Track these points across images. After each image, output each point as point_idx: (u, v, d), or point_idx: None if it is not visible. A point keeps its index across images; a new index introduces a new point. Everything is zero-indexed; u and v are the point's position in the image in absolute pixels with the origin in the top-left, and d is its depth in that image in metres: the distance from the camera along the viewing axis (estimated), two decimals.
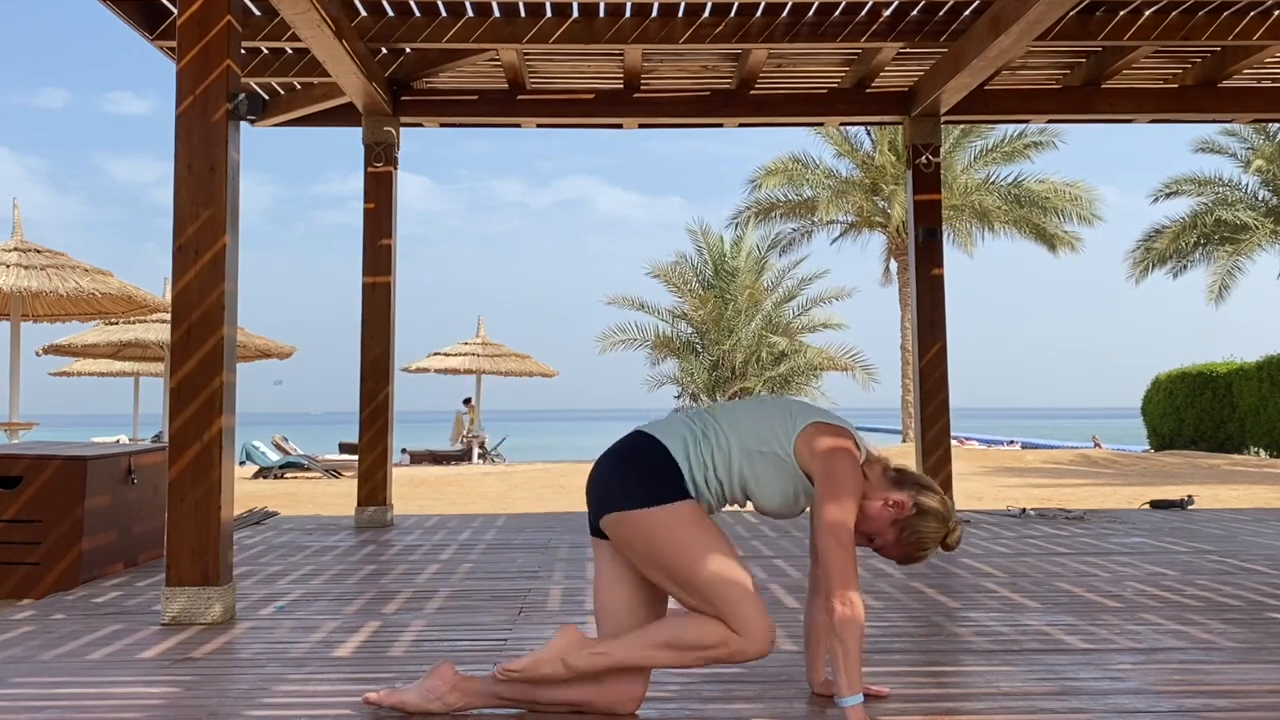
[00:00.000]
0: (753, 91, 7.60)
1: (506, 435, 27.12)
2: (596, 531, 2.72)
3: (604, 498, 2.66)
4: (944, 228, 7.65)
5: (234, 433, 4.23)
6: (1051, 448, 28.70)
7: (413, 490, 14.54)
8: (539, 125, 7.90)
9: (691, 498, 2.64)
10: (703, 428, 2.69)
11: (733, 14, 6.40)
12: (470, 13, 6.37)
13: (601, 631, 2.72)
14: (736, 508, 2.77)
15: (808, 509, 2.71)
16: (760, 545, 5.95)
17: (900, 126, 9.46)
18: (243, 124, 4.38)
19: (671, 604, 2.74)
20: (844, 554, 2.52)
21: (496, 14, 6.39)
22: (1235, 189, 25.39)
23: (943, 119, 7.50)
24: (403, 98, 7.42)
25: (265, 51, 6.99)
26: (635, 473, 2.65)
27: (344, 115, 7.62)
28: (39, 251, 11.73)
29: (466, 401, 24.93)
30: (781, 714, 2.75)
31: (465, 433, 24.22)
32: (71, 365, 20.59)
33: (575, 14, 6.36)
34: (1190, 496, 8.66)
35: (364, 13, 6.33)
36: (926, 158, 7.47)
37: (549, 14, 6.37)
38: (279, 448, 20.81)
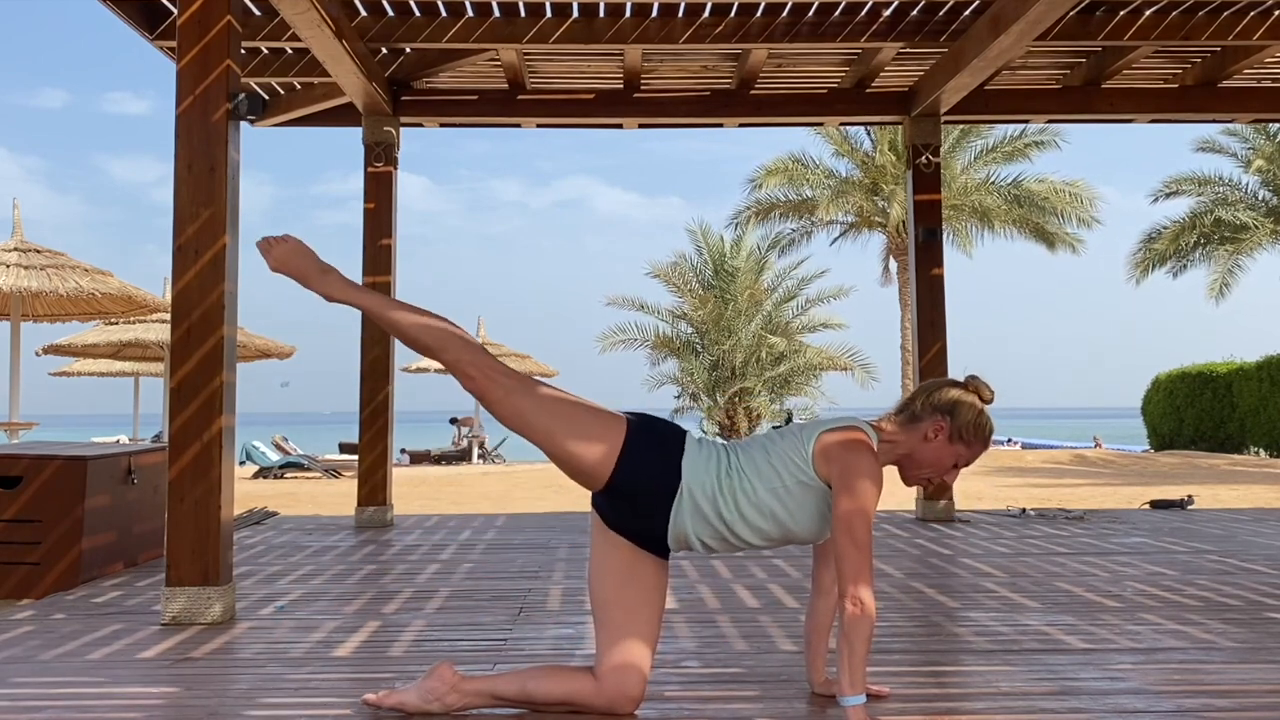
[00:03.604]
0: (753, 91, 7.60)
1: (507, 436, 27.11)
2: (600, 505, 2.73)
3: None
4: (944, 227, 7.65)
5: (234, 432, 4.23)
6: (1051, 448, 28.70)
7: (413, 490, 14.54)
8: (539, 125, 7.90)
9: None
10: (728, 466, 2.65)
11: (733, 14, 6.40)
12: (470, 13, 6.37)
13: (598, 625, 2.71)
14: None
15: None
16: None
17: (900, 126, 9.46)
18: (243, 124, 4.38)
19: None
20: (857, 551, 2.47)
21: (496, 14, 6.38)
22: (1235, 189, 25.38)
23: (943, 119, 7.50)
24: (403, 98, 7.42)
25: (265, 51, 6.99)
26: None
27: (344, 115, 7.61)
28: (39, 251, 11.72)
29: (452, 421, 25.02)
30: (781, 714, 2.74)
31: (464, 434, 24.25)
32: (71, 365, 20.57)
33: (575, 14, 6.36)
34: (1190, 496, 8.66)
35: (364, 13, 6.33)
36: (926, 158, 7.47)
37: (549, 14, 6.37)
38: (279, 448, 20.82)
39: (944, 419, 2.66)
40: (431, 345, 2.69)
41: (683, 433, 2.73)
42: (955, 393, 2.69)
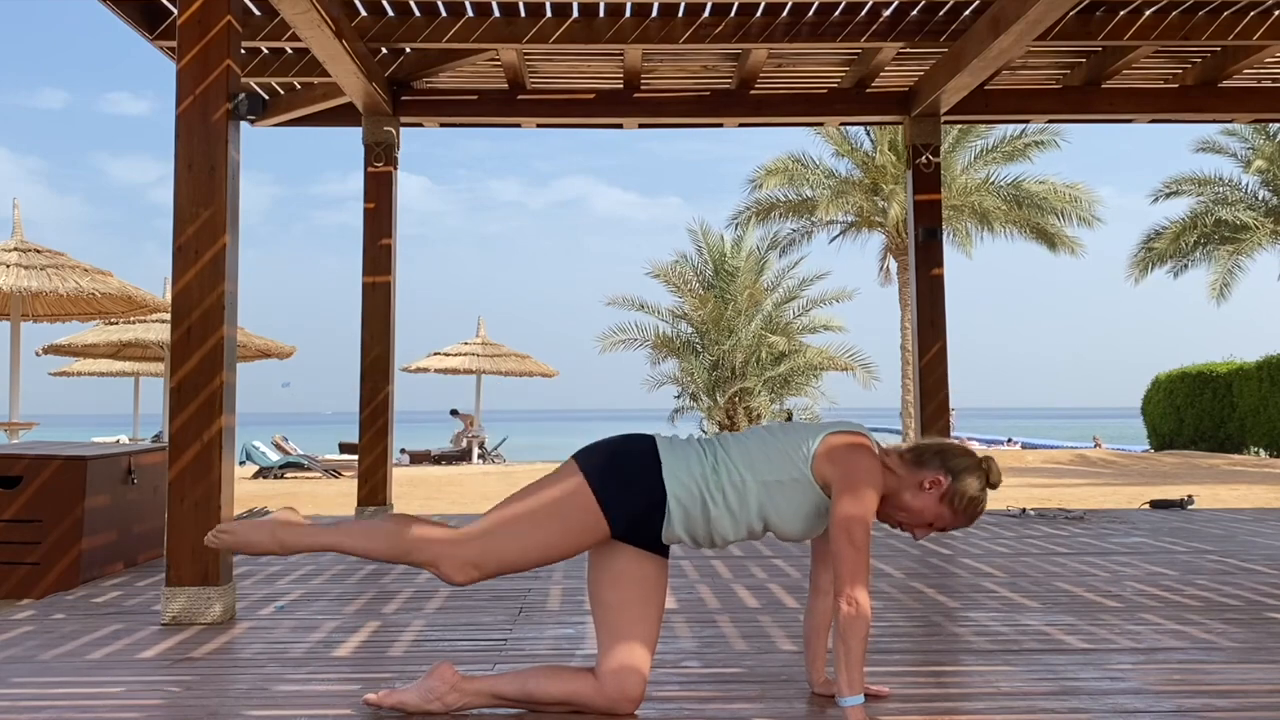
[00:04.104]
0: (753, 91, 7.60)
1: (507, 435, 27.13)
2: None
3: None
4: (944, 228, 7.65)
5: (234, 432, 4.23)
6: (1051, 448, 28.71)
7: (413, 490, 14.55)
8: (539, 125, 7.90)
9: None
10: (714, 461, 2.65)
11: (733, 14, 6.40)
12: (470, 13, 6.37)
13: (598, 625, 2.71)
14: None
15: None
16: (760, 545, 5.95)
17: (900, 126, 9.47)
18: (243, 124, 4.38)
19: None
20: (854, 552, 2.49)
21: (496, 14, 6.39)
22: (1235, 189, 25.39)
23: (943, 119, 7.50)
24: (403, 98, 7.42)
25: (265, 51, 6.99)
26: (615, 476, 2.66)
27: (344, 115, 7.62)
28: (39, 251, 11.74)
29: (453, 413, 24.99)
30: (781, 714, 2.74)
31: (464, 433, 24.27)
32: (71, 365, 20.59)
33: (575, 14, 6.36)
34: (1190, 496, 8.67)
35: (364, 13, 6.33)
36: (926, 158, 7.47)
37: (549, 14, 6.37)
38: (279, 448, 20.81)
39: (946, 477, 2.65)
40: (395, 558, 2.71)
41: (651, 445, 2.70)
42: (967, 462, 2.69)
